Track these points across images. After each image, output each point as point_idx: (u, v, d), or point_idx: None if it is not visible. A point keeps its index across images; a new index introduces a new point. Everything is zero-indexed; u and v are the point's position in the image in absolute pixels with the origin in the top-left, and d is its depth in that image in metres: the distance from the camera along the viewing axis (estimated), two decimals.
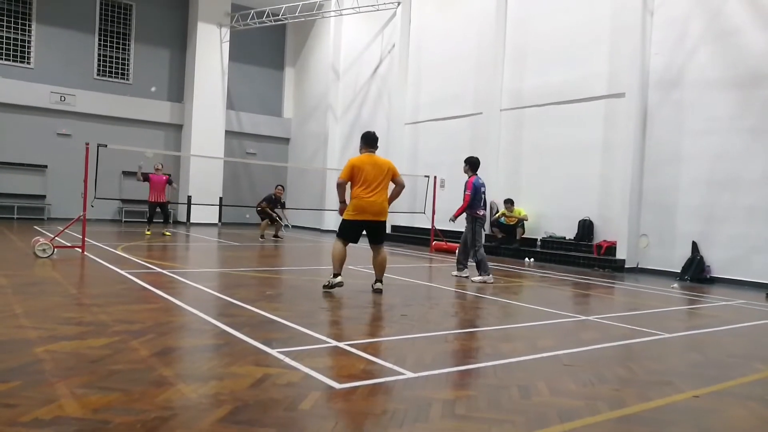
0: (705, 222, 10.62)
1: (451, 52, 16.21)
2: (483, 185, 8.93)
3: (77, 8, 18.82)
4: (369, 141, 6.99)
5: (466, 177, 8.98)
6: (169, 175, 15.24)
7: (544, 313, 6.27)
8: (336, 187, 6.94)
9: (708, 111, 10.67)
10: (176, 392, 3.16)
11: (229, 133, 21.13)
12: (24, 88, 17.79)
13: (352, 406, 3.11)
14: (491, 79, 14.69)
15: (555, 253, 12.75)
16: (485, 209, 9.06)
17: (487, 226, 12.35)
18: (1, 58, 17.75)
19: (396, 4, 17.76)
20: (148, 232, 14.27)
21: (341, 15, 19.60)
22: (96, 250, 10.17)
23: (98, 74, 19.33)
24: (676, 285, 9.65)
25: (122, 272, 7.67)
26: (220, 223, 20.14)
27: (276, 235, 15.12)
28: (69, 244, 10.06)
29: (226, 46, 20.43)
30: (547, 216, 13.48)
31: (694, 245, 10.67)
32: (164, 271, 8.04)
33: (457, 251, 9.66)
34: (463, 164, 9.14)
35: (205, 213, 19.51)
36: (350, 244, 6.95)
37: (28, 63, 18.18)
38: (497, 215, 13.98)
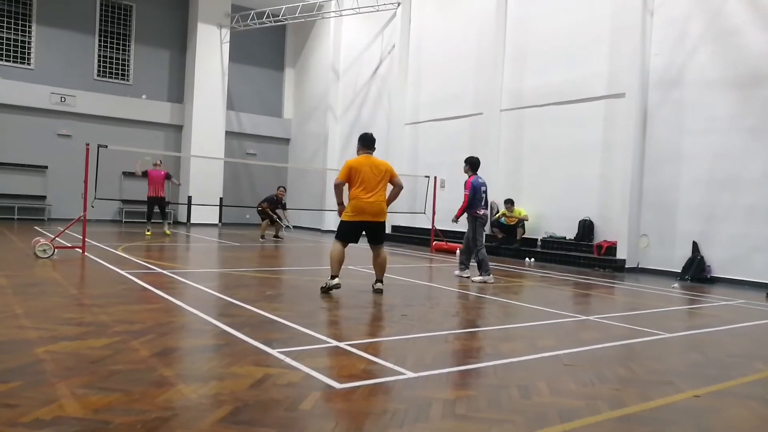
0: (705, 222, 10.62)
1: (451, 52, 16.21)
2: (484, 185, 8.92)
3: (77, 9, 18.83)
4: (366, 142, 7.00)
5: (466, 177, 8.99)
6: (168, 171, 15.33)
7: (544, 313, 6.27)
8: (333, 188, 6.94)
9: (708, 111, 10.67)
10: (177, 392, 3.16)
11: (229, 134, 21.14)
12: (24, 89, 17.80)
13: (352, 406, 3.11)
14: (491, 79, 14.70)
15: (555, 253, 12.75)
16: (486, 209, 9.04)
17: (488, 226, 12.33)
18: (2, 59, 17.76)
19: (396, 4, 17.76)
20: (149, 233, 14.22)
21: (341, 15, 19.61)
22: (96, 250, 10.17)
23: (98, 75, 19.34)
24: (676, 285, 9.65)
25: (123, 273, 7.67)
26: (220, 224, 20.15)
27: (276, 236, 15.12)
28: (69, 245, 10.06)
29: (226, 47, 20.44)
30: (548, 216, 13.49)
31: (695, 245, 10.67)
32: (164, 272, 8.04)
33: (459, 251, 9.67)
34: (463, 164, 9.15)
35: (205, 213, 19.53)
36: (350, 245, 6.94)
37: (29, 64, 18.19)
38: (497, 215, 13.98)
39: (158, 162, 14.75)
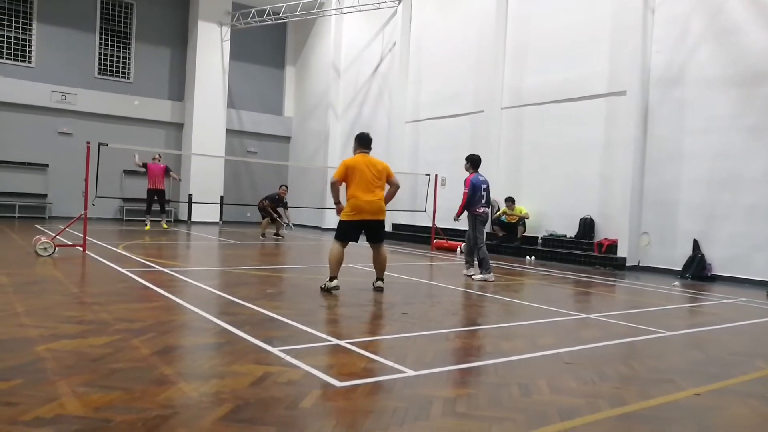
0: (706, 220, 10.62)
1: (451, 50, 16.20)
2: (484, 183, 8.90)
3: (78, 7, 18.81)
4: (363, 142, 7.03)
5: (467, 175, 8.98)
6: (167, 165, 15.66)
7: (544, 311, 6.27)
8: (329, 187, 6.96)
9: (709, 109, 10.66)
10: (177, 391, 3.16)
11: (229, 132, 21.13)
12: (25, 87, 17.79)
13: (352, 404, 3.11)
14: (492, 77, 14.68)
15: (556, 251, 12.74)
16: (487, 207, 9.00)
17: (489, 224, 12.33)
18: (2, 57, 17.75)
19: (397, 2, 17.74)
20: (147, 227, 14.36)
21: (342, 13, 19.58)
22: (97, 248, 10.18)
23: (99, 73, 19.32)
24: (677, 283, 9.64)
25: (123, 271, 7.68)
26: (221, 222, 20.16)
27: (277, 234, 15.13)
28: (70, 243, 10.07)
29: (227, 45, 20.42)
30: (548, 214, 13.48)
31: (695, 243, 10.66)
32: (165, 270, 8.05)
33: (459, 249, 9.66)
34: (464, 162, 9.14)
35: (206, 211, 19.55)
36: (350, 244, 6.94)
37: (29, 62, 18.18)
38: (498, 213, 13.98)
39: (157, 156, 15.07)
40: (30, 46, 18.17)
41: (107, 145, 10.25)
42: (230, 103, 21.34)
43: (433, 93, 16.79)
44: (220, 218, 20.20)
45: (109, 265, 8.28)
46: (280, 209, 15.17)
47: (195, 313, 5.29)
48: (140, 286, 6.65)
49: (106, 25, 19.39)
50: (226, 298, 6.13)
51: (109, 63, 19.52)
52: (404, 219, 17.30)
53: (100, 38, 19.29)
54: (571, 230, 12.84)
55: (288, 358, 3.85)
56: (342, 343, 4.38)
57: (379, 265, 7.01)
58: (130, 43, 19.86)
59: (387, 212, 7.14)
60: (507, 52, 14.56)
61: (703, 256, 10.53)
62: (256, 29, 20.80)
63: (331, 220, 19.33)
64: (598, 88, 12.48)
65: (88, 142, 9.76)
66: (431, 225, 14.76)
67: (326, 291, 6.68)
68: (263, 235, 14.79)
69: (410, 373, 3.67)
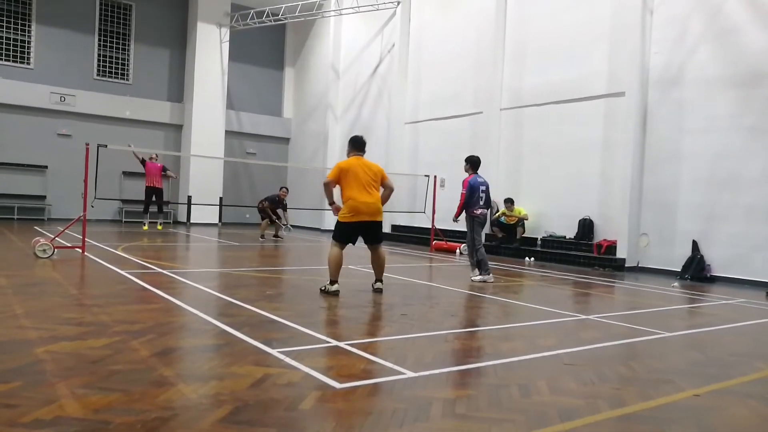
0: (705, 221, 10.62)
1: (450, 51, 16.20)
2: (483, 184, 8.88)
3: (77, 8, 18.81)
4: (357, 145, 7.05)
5: (466, 176, 8.97)
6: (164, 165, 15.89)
7: (544, 312, 6.27)
8: (323, 187, 6.98)
9: (708, 109, 10.67)
10: (177, 392, 3.16)
11: (229, 133, 21.12)
12: (24, 88, 17.78)
13: (352, 405, 3.11)
14: (491, 78, 14.69)
15: (555, 252, 12.75)
16: (485, 208, 8.99)
17: (488, 225, 12.33)
18: (1, 59, 17.74)
19: (396, 3, 17.75)
20: (146, 227, 14.43)
21: (341, 14, 19.59)
22: (96, 250, 10.17)
23: (98, 74, 19.32)
24: (676, 284, 9.65)
25: (122, 272, 7.67)
26: (220, 223, 20.14)
27: (276, 235, 15.12)
28: (69, 245, 10.06)
29: (226, 46, 20.42)
30: (548, 215, 13.48)
31: (695, 244, 10.67)
32: (164, 272, 8.04)
33: (459, 251, 9.64)
34: (464, 163, 9.13)
35: (205, 213, 19.53)
36: (349, 245, 6.94)
37: (28, 63, 18.17)
38: (497, 214, 13.98)
39: (154, 156, 15.41)
40: (29, 48, 18.16)
41: (106, 146, 10.25)
42: (229, 104, 21.34)
43: (433, 94, 16.79)
44: (220, 220, 20.19)
45: (108, 266, 8.27)
46: (279, 211, 15.17)
47: (194, 314, 5.28)
48: (139, 287, 6.65)
49: (105, 27, 19.39)
50: (226, 299, 6.13)
51: (108, 64, 19.51)
52: (403, 220, 17.29)
53: (99, 39, 19.29)
54: (570, 231, 12.84)
55: (287, 359, 3.85)
56: (341, 344, 4.37)
57: (378, 266, 7.01)
58: (129, 45, 19.86)
59: (385, 213, 7.14)
60: (506, 53, 14.57)
61: (702, 256, 10.54)
62: (255, 30, 20.80)
63: (330, 221, 19.29)
64: (598, 89, 12.48)
65: (87, 144, 9.75)
66: (430, 226, 14.76)
67: (326, 293, 6.67)
68: (262, 236, 14.79)
69: (410, 374, 3.67)
